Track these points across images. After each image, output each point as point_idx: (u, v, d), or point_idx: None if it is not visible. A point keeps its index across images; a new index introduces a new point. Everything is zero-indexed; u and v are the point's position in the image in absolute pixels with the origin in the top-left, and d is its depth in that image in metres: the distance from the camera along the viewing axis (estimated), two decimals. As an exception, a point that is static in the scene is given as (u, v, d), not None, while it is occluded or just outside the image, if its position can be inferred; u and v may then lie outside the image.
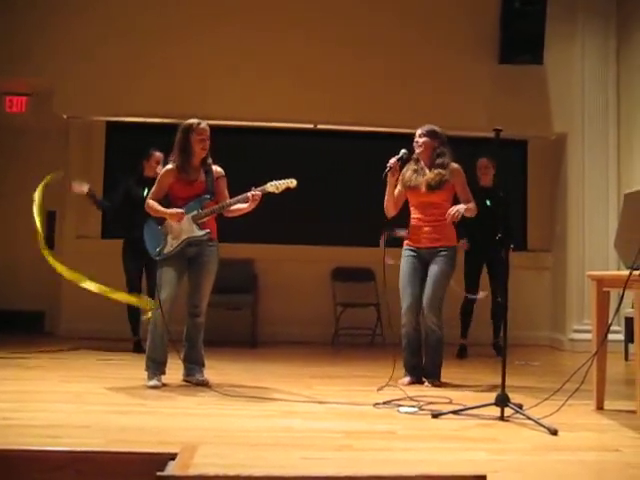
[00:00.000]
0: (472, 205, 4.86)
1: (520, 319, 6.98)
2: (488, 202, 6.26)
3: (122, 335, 6.46)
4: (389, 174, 4.87)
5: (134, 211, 5.49)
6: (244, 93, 7.25)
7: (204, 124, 4.60)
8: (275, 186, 4.48)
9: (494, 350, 6.53)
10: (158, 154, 6.18)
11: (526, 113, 7.48)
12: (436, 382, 4.84)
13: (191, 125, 4.57)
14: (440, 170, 4.88)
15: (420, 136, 4.97)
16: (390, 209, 4.99)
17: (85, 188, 6.23)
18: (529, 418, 3.61)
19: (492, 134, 3.97)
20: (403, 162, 4.94)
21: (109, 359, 5.78)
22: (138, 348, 6.18)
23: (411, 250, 4.95)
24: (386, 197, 4.97)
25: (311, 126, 7.70)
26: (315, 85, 7.32)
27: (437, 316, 4.82)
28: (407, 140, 5.09)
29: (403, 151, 4.90)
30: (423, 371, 4.92)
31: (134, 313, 6.36)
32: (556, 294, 7.81)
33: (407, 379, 4.87)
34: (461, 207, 4.77)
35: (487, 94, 7.49)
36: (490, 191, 6.46)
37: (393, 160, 4.86)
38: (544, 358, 6.76)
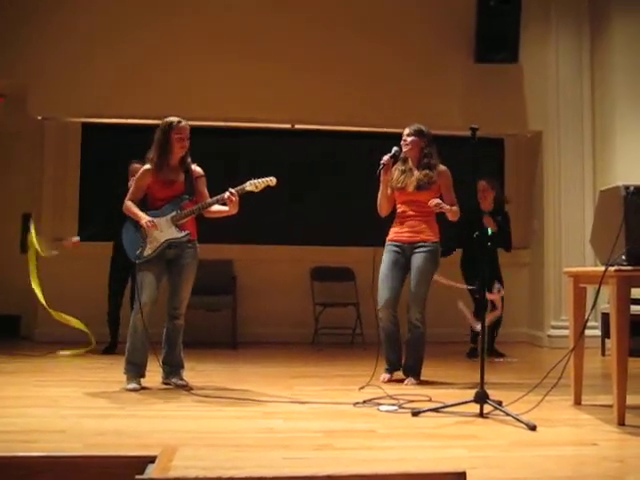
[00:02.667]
0: (456, 208, 4.89)
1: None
2: (489, 231, 6.19)
3: (99, 339, 6.42)
4: (382, 172, 4.90)
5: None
6: (224, 94, 7.22)
7: (184, 123, 4.57)
8: (254, 185, 4.47)
9: (490, 353, 6.41)
10: (136, 167, 6.14)
11: (502, 111, 7.54)
12: (416, 379, 4.86)
13: (171, 123, 4.55)
14: (428, 171, 4.92)
15: (408, 135, 4.99)
16: (384, 208, 5.02)
17: (75, 239, 6.34)
18: (508, 414, 3.63)
19: (469, 133, 3.98)
20: (395, 159, 4.98)
21: (87, 360, 5.74)
22: (109, 350, 6.23)
23: (394, 245, 4.97)
24: (379, 196, 5.00)
25: (288, 126, 7.70)
26: (291, 85, 7.31)
27: (421, 312, 4.85)
28: (388, 139, 5.11)
29: (395, 148, 4.94)
30: (403, 367, 4.94)
31: (114, 318, 6.34)
32: (534, 291, 7.88)
33: (387, 375, 4.90)
34: (445, 205, 4.82)
35: (463, 93, 7.54)
36: (490, 214, 6.35)
37: (386, 158, 4.89)
38: (523, 354, 6.82)
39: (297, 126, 7.73)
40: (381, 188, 4.99)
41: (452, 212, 4.85)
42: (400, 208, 5.02)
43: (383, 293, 4.90)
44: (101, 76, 7.13)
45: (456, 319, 6.65)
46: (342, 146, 7.90)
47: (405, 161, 5.03)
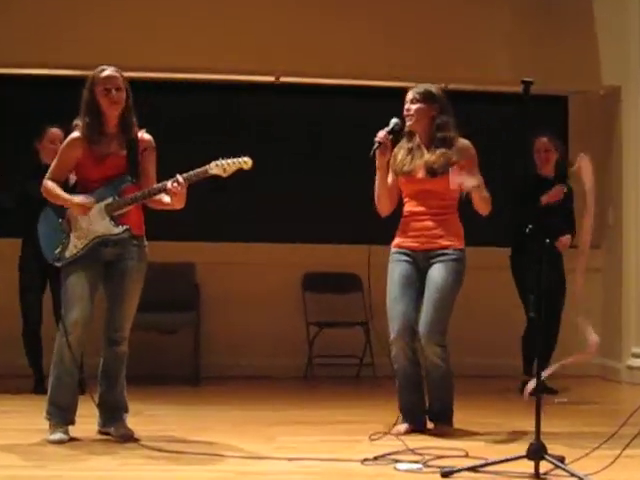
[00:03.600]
0: (487, 195, 4.79)
1: (561, 340, 7.02)
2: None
3: (16, 371, 6.42)
4: (378, 153, 4.81)
5: (33, 214, 5.35)
6: (184, 37, 7.17)
7: (110, 70, 4.54)
8: (222, 167, 4.42)
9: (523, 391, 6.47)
10: (55, 131, 6.13)
11: (566, 60, 7.52)
12: (446, 427, 4.86)
13: (94, 75, 4.53)
14: (444, 149, 4.84)
15: (412, 102, 4.89)
16: (384, 203, 4.93)
17: None
18: (573, 475, 3.63)
19: (520, 88, 3.99)
20: (395, 135, 4.92)
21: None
22: (40, 388, 6.15)
23: (403, 254, 4.91)
24: (377, 186, 4.92)
25: (272, 79, 7.69)
26: (276, 23, 7.30)
27: (440, 345, 4.80)
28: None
29: (394, 121, 4.87)
30: (429, 413, 4.95)
31: (33, 341, 6.32)
32: (608, 306, 7.87)
33: (404, 426, 4.87)
34: (471, 181, 4.67)
35: (513, 35, 7.52)
36: (551, 184, 6.38)
37: (382, 133, 4.81)
38: (593, 393, 6.82)
39: (283, 79, 7.71)
40: (378, 176, 4.90)
41: (483, 198, 4.74)
42: (408, 203, 4.96)
43: (396, 321, 4.85)
44: (18, 12, 7.08)
45: (492, 346, 6.71)
46: (346, 108, 7.89)
47: (411, 136, 4.96)
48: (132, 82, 4.69)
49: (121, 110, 4.56)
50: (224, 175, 4.47)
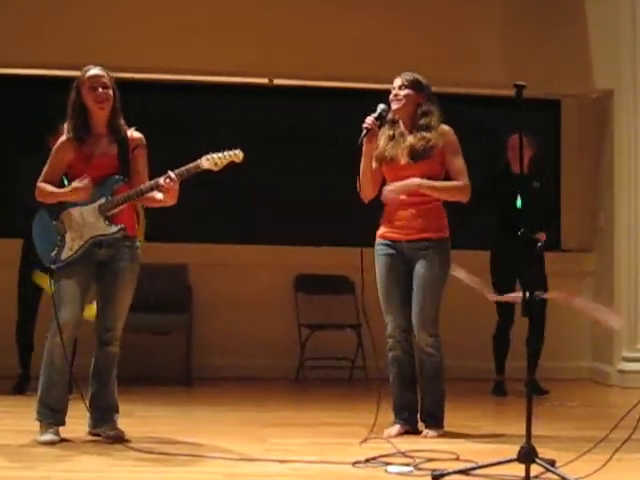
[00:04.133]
0: (461, 183, 4.86)
1: (551, 344, 7.03)
2: (519, 202, 6.22)
3: (7, 372, 6.42)
4: (365, 140, 4.85)
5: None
6: (176, 37, 7.17)
7: (96, 70, 4.54)
8: (213, 161, 4.43)
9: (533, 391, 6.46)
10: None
11: (558, 64, 7.52)
12: (438, 430, 4.86)
13: (81, 75, 4.54)
14: (424, 133, 4.88)
15: (401, 87, 4.94)
16: (367, 189, 4.95)
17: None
18: (564, 478, 3.62)
19: (513, 92, 3.99)
20: (382, 121, 4.94)
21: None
22: (20, 388, 6.17)
23: (387, 245, 4.94)
24: (361, 172, 4.94)
25: (265, 81, 7.68)
26: (269, 25, 7.29)
27: (433, 334, 4.85)
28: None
29: (381, 106, 4.90)
30: (421, 414, 4.95)
31: (27, 342, 6.29)
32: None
33: (396, 427, 4.87)
34: (413, 182, 4.77)
35: (504, 38, 7.53)
36: (524, 182, 6.36)
37: (370, 119, 4.85)
38: (584, 396, 6.82)
39: (277, 82, 7.71)
40: (363, 162, 4.92)
41: (435, 190, 4.80)
42: None
43: (390, 317, 4.92)
44: (17, 11, 7.06)
45: (478, 348, 6.70)
46: (340, 110, 7.87)
47: (394, 123, 4.99)
48: (126, 82, 4.69)
49: (109, 109, 4.56)
50: (215, 169, 4.47)
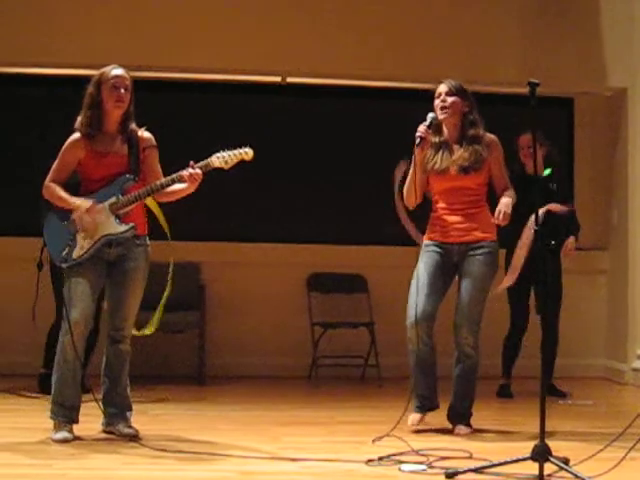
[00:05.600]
0: (513, 194, 4.92)
1: (566, 342, 7.01)
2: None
3: (22, 370, 6.43)
4: (418, 149, 4.83)
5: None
6: (188, 35, 7.18)
7: (120, 70, 4.57)
8: (223, 159, 4.44)
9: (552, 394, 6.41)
10: None
11: (571, 62, 7.52)
12: (469, 427, 4.90)
13: (102, 73, 4.55)
14: (475, 146, 4.89)
15: (448, 94, 4.90)
16: (415, 196, 4.94)
17: None
18: (578, 477, 3.62)
19: (526, 90, 3.98)
20: (433, 130, 4.92)
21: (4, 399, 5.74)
22: (46, 386, 6.13)
23: (436, 245, 4.96)
24: (409, 180, 4.94)
25: (278, 79, 7.68)
26: (283, 24, 7.29)
27: (475, 336, 4.88)
28: (415, 99, 5.08)
29: (431, 115, 4.88)
30: (450, 412, 4.96)
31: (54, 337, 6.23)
32: (614, 308, 7.86)
33: (418, 416, 4.90)
34: (507, 202, 4.81)
35: (518, 37, 7.51)
36: (535, 182, 6.31)
37: (423, 128, 4.81)
38: (598, 395, 6.80)
39: (289, 80, 7.71)
40: (411, 171, 4.93)
41: (507, 212, 4.82)
42: (439, 199, 4.98)
43: (421, 304, 4.85)
44: (25, 13, 7.08)
45: (496, 347, 6.68)
46: (353, 108, 7.88)
47: (438, 131, 4.97)
48: (139, 80, 4.70)
49: (124, 110, 4.58)
50: (226, 167, 4.48)
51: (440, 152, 4.93)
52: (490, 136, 4.98)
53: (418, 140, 4.80)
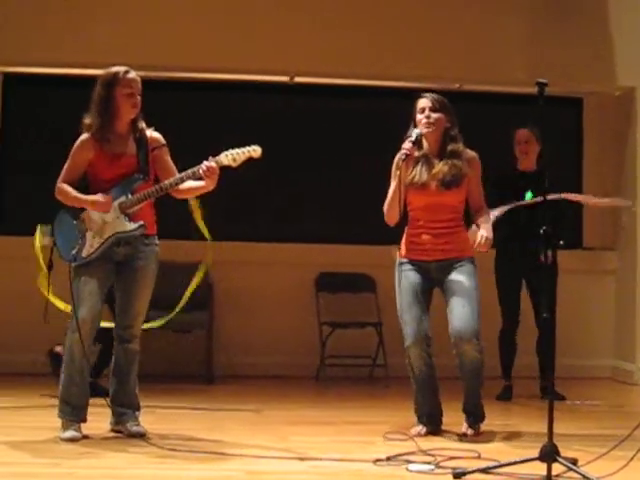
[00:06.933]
0: (489, 218, 4.91)
1: (573, 343, 7.01)
2: (529, 195, 6.14)
3: (31, 369, 6.47)
4: (403, 165, 4.78)
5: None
6: (195, 35, 7.19)
7: (133, 73, 4.59)
8: (232, 157, 4.45)
9: (543, 394, 6.38)
10: None
11: (580, 61, 7.49)
12: (480, 426, 4.88)
13: (116, 74, 4.55)
14: (455, 160, 4.84)
15: (432, 110, 4.84)
16: (395, 213, 4.85)
17: None
18: (586, 477, 3.62)
19: (534, 89, 3.98)
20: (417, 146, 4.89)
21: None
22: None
23: (413, 264, 4.88)
24: (390, 197, 4.87)
25: (286, 79, 7.69)
26: (291, 23, 7.29)
27: (478, 338, 4.82)
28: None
29: (416, 131, 4.84)
30: (464, 407, 4.94)
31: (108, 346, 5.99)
32: (622, 308, 7.84)
33: (422, 428, 4.87)
34: (489, 227, 4.79)
35: (526, 36, 7.50)
36: (533, 179, 6.21)
37: (409, 145, 4.77)
38: (606, 395, 6.79)
39: (298, 79, 7.71)
40: (393, 187, 4.85)
41: (489, 238, 4.78)
42: (417, 215, 4.92)
43: (411, 327, 4.82)
44: (29, 13, 7.10)
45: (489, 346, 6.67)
46: (361, 108, 7.88)
47: (418, 145, 4.90)
48: (147, 80, 4.71)
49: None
50: (234, 165, 4.48)
51: (419, 165, 4.87)
52: (470, 152, 4.92)
53: (404, 157, 4.75)
